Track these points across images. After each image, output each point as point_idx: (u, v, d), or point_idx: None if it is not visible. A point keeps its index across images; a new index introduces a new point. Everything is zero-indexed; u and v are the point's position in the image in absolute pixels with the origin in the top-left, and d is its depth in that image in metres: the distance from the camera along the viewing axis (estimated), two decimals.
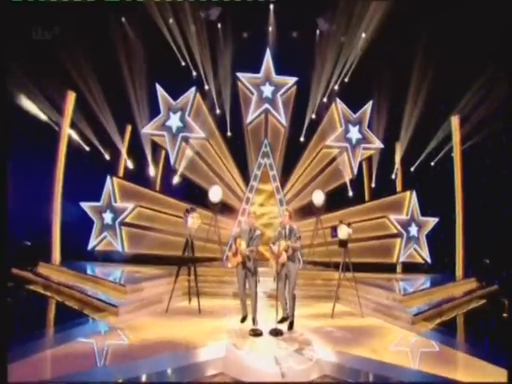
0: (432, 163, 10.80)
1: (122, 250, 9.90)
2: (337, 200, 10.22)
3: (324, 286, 8.28)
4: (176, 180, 10.41)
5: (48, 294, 7.20)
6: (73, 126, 9.93)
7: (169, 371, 4.09)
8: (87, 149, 10.16)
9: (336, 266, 8.95)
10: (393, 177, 11.05)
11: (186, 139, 10.34)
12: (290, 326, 5.75)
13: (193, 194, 10.13)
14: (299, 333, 5.61)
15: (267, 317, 5.91)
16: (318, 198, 9.28)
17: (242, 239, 5.74)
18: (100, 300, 6.29)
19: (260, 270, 5.72)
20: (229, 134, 10.54)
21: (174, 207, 9.66)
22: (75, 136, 10.01)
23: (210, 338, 5.18)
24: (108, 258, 9.87)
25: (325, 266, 9.32)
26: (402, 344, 5.48)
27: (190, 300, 6.79)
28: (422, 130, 10.55)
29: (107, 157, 10.37)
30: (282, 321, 5.82)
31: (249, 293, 5.77)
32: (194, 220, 6.64)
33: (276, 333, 5.40)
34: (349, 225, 6.59)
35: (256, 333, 5.40)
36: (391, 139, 10.91)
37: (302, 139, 10.69)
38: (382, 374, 4.20)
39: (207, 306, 6.77)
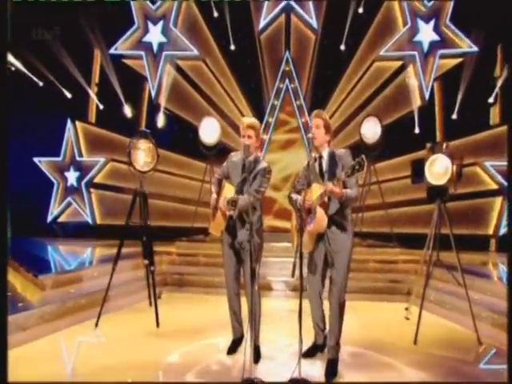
0: None
1: (93, 221, 7.41)
2: (397, 140, 6.79)
3: (382, 271, 5.25)
4: (160, 121, 7.53)
5: None
6: (13, 51, 7.17)
7: None
8: (40, 84, 7.42)
9: (400, 240, 5.82)
10: (490, 100, 7.13)
11: (171, 60, 7.57)
12: (332, 370, 2.63)
13: (186, 139, 7.37)
14: None
15: (283, 342, 3.04)
16: (372, 129, 5.74)
17: (232, 182, 2.90)
18: None
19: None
20: (232, 47, 7.47)
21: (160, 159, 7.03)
22: (19, 65, 7.25)
23: None
24: (75, 232, 7.41)
25: (382, 239, 6.14)
26: None
27: (150, 300, 3.88)
28: None
29: (68, 94, 7.61)
30: (311, 353, 2.87)
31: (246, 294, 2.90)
32: (146, 154, 3.68)
33: None
34: (452, 158, 3.07)
35: None
36: (490, 40, 6.92)
37: (342, 48, 7.25)
38: None
39: (180, 311, 3.98)
